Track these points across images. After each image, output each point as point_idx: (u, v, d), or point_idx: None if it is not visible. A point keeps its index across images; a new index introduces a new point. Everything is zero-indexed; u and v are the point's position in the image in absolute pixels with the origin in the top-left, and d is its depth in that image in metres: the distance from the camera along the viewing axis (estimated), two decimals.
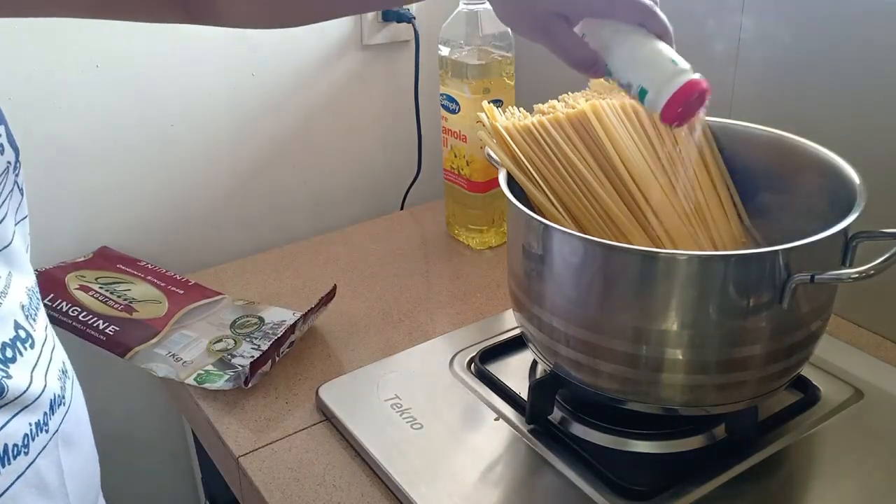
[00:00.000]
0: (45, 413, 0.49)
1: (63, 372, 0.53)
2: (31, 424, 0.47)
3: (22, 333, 0.48)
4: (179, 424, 1.10)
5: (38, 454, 0.48)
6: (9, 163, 0.50)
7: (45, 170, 0.95)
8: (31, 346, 0.49)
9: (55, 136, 0.95)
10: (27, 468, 0.47)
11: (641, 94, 0.58)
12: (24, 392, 0.47)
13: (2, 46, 0.88)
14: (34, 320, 0.51)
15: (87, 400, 0.57)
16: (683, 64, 0.57)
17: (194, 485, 1.11)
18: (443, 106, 1.01)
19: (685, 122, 0.58)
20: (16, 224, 0.53)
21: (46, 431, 0.49)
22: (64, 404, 0.51)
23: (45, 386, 0.49)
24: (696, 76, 0.57)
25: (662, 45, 0.58)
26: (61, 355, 0.54)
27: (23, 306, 0.50)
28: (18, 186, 0.54)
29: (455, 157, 1.01)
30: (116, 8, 0.58)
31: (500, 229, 1.05)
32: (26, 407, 0.47)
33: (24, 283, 0.51)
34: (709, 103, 0.58)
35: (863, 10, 0.77)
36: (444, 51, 0.97)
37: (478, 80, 0.95)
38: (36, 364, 0.49)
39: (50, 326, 0.55)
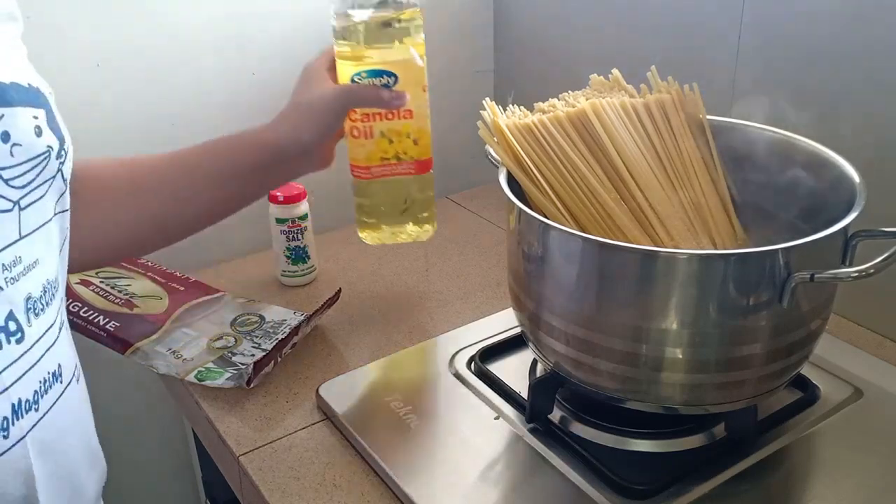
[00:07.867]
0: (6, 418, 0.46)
1: (54, 375, 0.51)
2: None
3: (12, 326, 0.47)
4: (179, 424, 1.10)
5: None
6: (49, 147, 0.49)
7: None
8: (19, 342, 0.47)
9: None
10: None
11: None
12: None
13: None
14: (36, 315, 0.49)
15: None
16: None
17: (194, 484, 1.11)
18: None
19: None
20: (55, 213, 0.52)
21: (5, 437, 0.46)
22: (36, 410, 0.49)
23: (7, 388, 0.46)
24: None
25: None
26: (58, 358, 0.52)
27: (28, 298, 0.48)
28: (63, 176, 0.52)
29: (390, 143, 0.81)
30: None
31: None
32: None
33: (46, 274, 0.50)
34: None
35: (863, 10, 0.77)
36: (354, 16, 0.80)
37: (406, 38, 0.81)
38: (14, 362, 0.47)
39: (63, 327, 0.53)
